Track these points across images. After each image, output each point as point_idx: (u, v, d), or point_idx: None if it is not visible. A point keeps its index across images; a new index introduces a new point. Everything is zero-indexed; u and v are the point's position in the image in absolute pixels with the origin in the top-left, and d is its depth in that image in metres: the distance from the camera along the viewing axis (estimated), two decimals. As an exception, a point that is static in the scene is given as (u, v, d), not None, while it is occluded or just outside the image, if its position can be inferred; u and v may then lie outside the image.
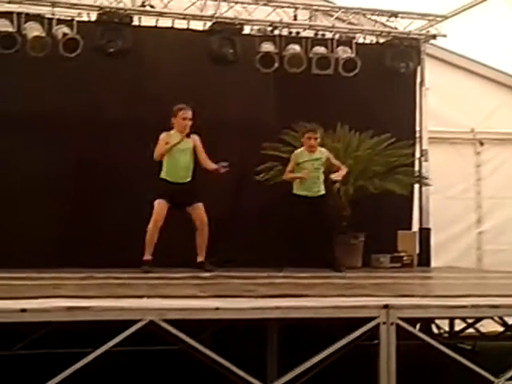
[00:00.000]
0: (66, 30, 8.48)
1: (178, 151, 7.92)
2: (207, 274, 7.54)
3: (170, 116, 8.07)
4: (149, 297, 5.39)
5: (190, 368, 5.94)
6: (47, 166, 8.58)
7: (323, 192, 8.43)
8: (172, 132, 8.01)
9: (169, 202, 7.83)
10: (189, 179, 8.00)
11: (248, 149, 9.15)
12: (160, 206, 7.79)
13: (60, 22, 8.54)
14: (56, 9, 8.56)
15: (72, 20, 8.56)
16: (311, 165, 8.34)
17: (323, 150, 8.45)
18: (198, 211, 7.91)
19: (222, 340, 6.62)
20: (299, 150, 8.47)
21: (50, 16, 8.51)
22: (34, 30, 8.36)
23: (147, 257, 7.84)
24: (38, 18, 8.45)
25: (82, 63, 8.47)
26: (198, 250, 7.97)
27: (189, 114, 7.94)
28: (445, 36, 9.89)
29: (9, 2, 8.49)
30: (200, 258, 7.99)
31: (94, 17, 8.79)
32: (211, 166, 7.95)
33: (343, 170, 8.42)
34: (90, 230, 8.73)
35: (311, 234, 8.41)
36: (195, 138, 8.02)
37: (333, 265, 8.27)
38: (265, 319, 5.51)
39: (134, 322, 5.02)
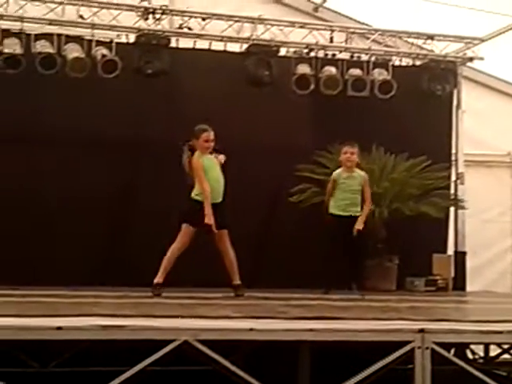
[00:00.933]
0: (104, 51, 8.62)
1: (213, 171, 7.56)
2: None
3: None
4: (183, 317, 5.42)
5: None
6: (85, 186, 8.70)
7: (359, 213, 8.11)
8: (198, 154, 7.54)
9: (196, 225, 7.46)
10: (221, 199, 7.61)
11: (283, 170, 9.17)
12: (188, 231, 7.47)
13: (99, 43, 8.68)
14: (95, 30, 8.72)
15: (111, 42, 8.69)
16: (349, 186, 8.07)
17: (362, 173, 8.13)
18: (224, 238, 7.52)
19: (255, 361, 6.59)
20: (338, 170, 8.18)
21: (89, 38, 8.65)
22: (73, 52, 8.51)
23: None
24: (78, 39, 8.60)
25: (121, 84, 8.58)
26: (231, 274, 7.59)
27: (211, 135, 7.54)
28: (482, 59, 9.87)
29: (49, 24, 8.65)
30: (235, 281, 7.60)
31: (132, 38, 8.93)
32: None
33: (366, 210, 8.04)
34: (126, 249, 8.83)
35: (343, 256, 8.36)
36: (219, 157, 7.67)
37: (351, 284, 8.04)
38: (298, 341, 5.49)
39: (169, 341, 5.04)
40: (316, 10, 10.15)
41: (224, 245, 7.52)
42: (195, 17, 9.06)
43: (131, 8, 8.90)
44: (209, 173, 7.51)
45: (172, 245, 7.48)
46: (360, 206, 8.16)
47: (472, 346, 8.34)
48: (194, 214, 7.41)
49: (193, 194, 7.53)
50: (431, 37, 9.71)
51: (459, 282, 9.60)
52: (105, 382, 4.98)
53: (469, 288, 9.65)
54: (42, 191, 8.66)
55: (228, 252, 7.54)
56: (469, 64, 10.04)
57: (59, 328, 4.90)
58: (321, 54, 9.48)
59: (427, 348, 5.38)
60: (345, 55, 9.58)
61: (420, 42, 9.80)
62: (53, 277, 7.97)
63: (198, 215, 7.35)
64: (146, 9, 8.88)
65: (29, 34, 8.47)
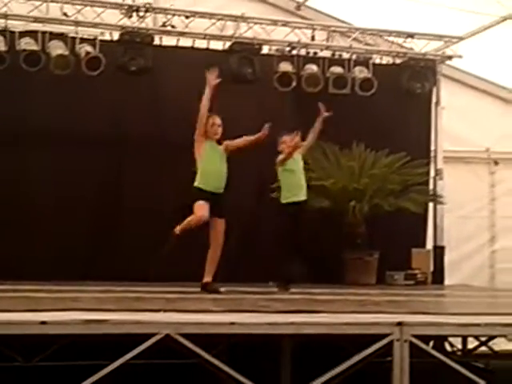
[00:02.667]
0: (88, 48, 8.68)
1: (214, 159, 7.51)
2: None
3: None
4: (165, 311, 5.47)
5: (205, 382, 6.00)
6: (70, 183, 8.76)
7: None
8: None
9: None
10: (222, 190, 7.54)
11: (265, 167, 9.22)
12: (203, 206, 7.29)
13: (83, 40, 8.75)
14: (79, 28, 8.78)
15: (95, 39, 8.76)
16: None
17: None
18: (219, 228, 7.47)
19: (237, 354, 6.69)
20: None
21: (73, 35, 8.72)
22: (57, 49, 8.57)
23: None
24: (62, 36, 8.67)
25: (104, 81, 8.63)
26: (206, 270, 7.47)
27: (218, 120, 7.59)
28: (461, 57, 10.01)
29: (34, 21, 8.71)
30: (206, 279, 7.48)
31: (116, 36, 8.98)
32: (254, 137, 7.59)
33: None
34: (110, 245, 8.90)
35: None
36: (226, 142, 7.62)
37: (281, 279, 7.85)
38: (279, 334, 5.58)
39: (151, 335, 5.09)
40: (298, 8, 10.23)
41: (216, 238, 7.44)
42: (179, 15, 9.14)
43: (115, 6, 8.96)
44: (210, 161, 7.46)
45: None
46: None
47: (450, 339, 8.48)
48: (199, 196, 7.38)
49: (196, 183, 7.49)
50: (411, 35, 9.83)
51: (438, 276, 9.74)
52: (88, 376, 5.02)
53: (447, 282, 9.79)
54: (25, 187, 8.71)
55: (216, 247, 7.45)
56: (448, 62, 10.19)
57: (43, 322, 4.93)
58: (303, 52, 9.60)
59: (406, 341, 5.43)
60: (326, 53, 9.68)
61: (400, 40, 9.94)
62: (37, 272, 8.02)
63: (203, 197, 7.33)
64: (130, 6, 8.95)
65: (13, 32, 8.52)
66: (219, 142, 7.57)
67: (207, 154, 7.50)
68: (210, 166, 7.50)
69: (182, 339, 5.13)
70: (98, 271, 8.51)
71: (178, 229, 7.38)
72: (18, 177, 8.71)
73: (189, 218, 7.30)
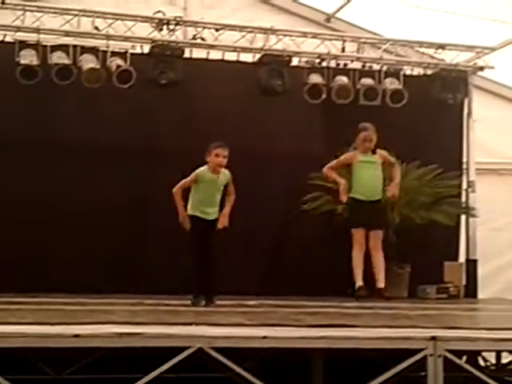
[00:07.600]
0: (119, 61, 8.75)
1: (363, 165, 7.70)
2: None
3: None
4: (198, 324, 5.46)
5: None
6: (99, 196, 8.81)
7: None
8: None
9: (363, 224, 7.60)
10: (378, 197, 7.71)
11: (296, 179, 9.24)
12: (360, 234, 7.62)
13: (114, 54, 8.82)
14: (110, 41, 8.86)
15: (126, 52, 8.82)
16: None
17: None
18: (377, 240, 7.70)
19: (269, 368, 6.66)
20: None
21: (104, 48, 8.79)
22: (89, 62, 8.65)
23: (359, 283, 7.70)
24: (93, 50, 8.75)
25: (135, 94, 8.68)
26: (377, 276, 7.75)
27: (370, 134, 7.71)
28: (492, 68, 9.93)
29: (65, 35, 8.81)
30: (380, 284, 7.78)
31: (146, 49, 9.05)
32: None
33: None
34: (140, 257, 8.94)
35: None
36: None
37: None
38: (311, 349, 5.54)
39: (184, 348, 5.09)
40: (328, 20, 10.25)
41: (374, 246, 7.67)
42: (208, 28, 9.19)
43: (146, 19, 9.04)
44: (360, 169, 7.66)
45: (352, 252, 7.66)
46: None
47: (484, 353, 8.38)
48: (352, 215, 7.65)
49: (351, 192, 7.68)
50: (442, 46, 9.78)
51: (471, 290, 9.64)
52: (119, 389, 5.05)
53: (480, 295, 9.69)
54: (55, 201, 8.77)
55: (376, 254, 7.70)
56: (479, 73, 10.11)
57: (76, 336, 4.94)
58: (333, 63, 9.57)
59: (439, 356, 5.37)
60: (356, 65, 9.66)
61: (431, 51, 9.90)
62: (69, 285, 8.08)
63: (355, 214, 7.59)
64: (161, 20, 9.01)
65: (45, 46, 8.61)
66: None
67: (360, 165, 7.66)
68: (363, 173, 7.66)
69: (214, 353, 5.11)
70: (126, 284, 8.53)
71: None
72: (48, 189, 8.76)
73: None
